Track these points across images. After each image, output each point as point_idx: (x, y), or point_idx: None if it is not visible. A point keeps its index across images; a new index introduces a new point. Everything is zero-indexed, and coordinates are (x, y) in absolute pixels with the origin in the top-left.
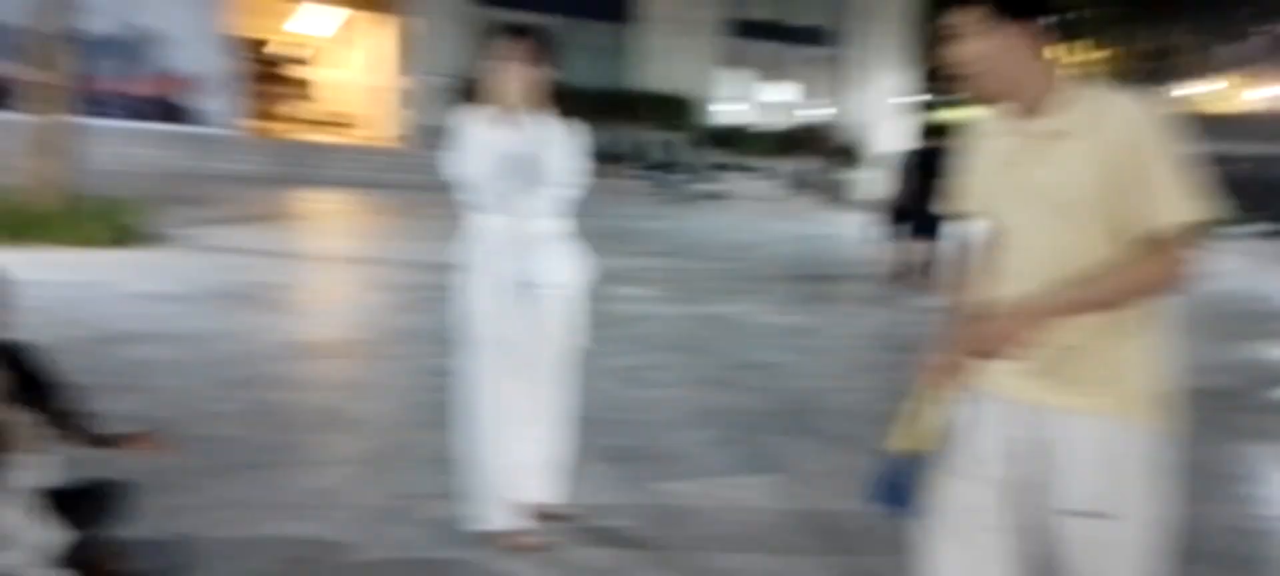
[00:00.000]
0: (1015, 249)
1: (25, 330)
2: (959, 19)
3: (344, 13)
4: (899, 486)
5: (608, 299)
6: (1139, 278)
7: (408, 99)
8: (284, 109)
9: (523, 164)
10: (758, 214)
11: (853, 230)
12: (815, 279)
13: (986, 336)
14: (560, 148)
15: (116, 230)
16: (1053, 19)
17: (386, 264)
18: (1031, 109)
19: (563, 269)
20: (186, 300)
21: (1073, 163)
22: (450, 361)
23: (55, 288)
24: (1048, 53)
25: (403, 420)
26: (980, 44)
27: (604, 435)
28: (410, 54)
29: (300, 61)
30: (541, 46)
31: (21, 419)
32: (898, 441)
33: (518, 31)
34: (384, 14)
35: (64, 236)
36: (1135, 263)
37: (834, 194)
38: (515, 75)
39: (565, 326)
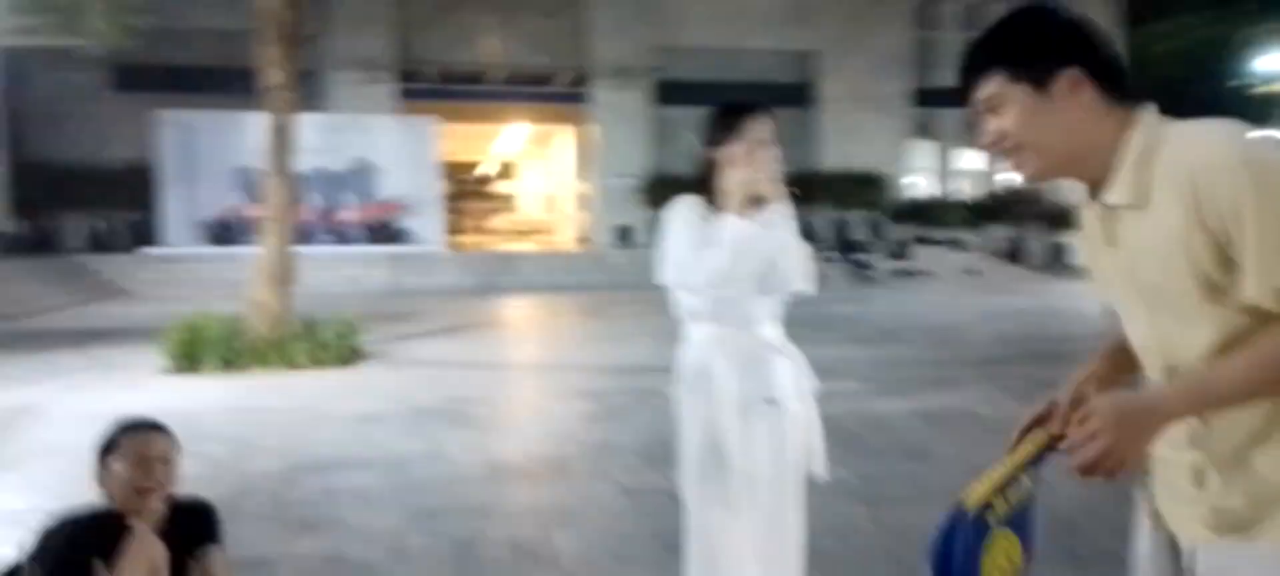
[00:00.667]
0: (1132, 340)
1: (214, 468)
2: (980, 94)
3: (530, 128)
4: (951, 549)
5: None
6: (1260, 362)
7: (593, 202)
8: (482, 223)
9: (755, 263)
10: (960, 289)
11: (1075, 301)
12: (1044, 359)
13: (1089, 446)
14: (793, 242)
15: (324, 351)
16: (1102, 61)
17: (581, 369)
18: (1098, 179)
19: (800, 382)
20: (383, 421)
21: (1147, 239)
22: (654, 480)
23: (256, 414)
24: (1104, 105)
25: (605, 553)
26: (1011, 117)
27: (838, 572)
28: (593, 159)
29: (494, 178)
30: (775, 124)
31: None
32: (969, 496)
33: (755, 108)
34: (566, 124)
35: (274, 361)
36: (1255, 345)
37: (1048, 261)
38: (762, 158)
39: (802, 449)
